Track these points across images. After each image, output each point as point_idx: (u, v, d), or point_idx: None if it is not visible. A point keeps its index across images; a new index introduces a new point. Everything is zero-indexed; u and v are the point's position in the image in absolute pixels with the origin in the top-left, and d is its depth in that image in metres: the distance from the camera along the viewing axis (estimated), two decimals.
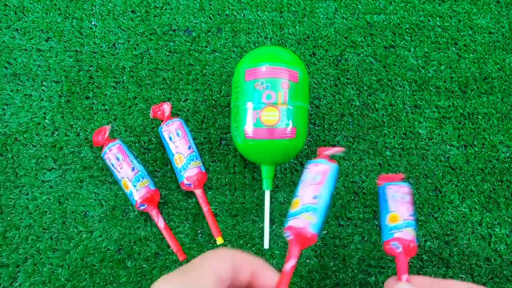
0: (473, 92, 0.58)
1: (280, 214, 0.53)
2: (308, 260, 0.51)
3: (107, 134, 0.51)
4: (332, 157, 0.34)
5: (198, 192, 0.51)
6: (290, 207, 0.32)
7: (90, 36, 0.58)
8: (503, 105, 0.57)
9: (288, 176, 0.54)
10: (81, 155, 0.54)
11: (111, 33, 0.58)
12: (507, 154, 0.56)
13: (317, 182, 0.32)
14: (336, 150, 0.35)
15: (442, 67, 0.59)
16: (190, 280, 0.24)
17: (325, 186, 0.32)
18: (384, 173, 0.55)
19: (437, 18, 0.61)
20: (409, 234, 0.35)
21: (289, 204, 0.53)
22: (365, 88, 0.57)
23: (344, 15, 0.60)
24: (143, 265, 0.51)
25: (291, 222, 0.31)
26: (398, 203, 0.35)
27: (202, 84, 0.57)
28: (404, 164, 0.55)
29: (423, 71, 0.58)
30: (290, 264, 0.30)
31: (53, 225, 0.52)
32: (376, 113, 0.57)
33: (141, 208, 0.50)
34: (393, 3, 0.61)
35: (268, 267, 0.28)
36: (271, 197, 0.52)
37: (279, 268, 0.51)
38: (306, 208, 0.31)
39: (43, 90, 0.56)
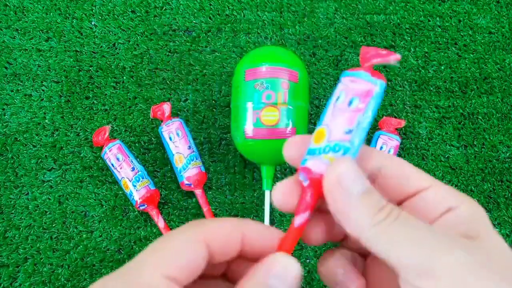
0: (473, 92, 0.58)
1: (280, 214, 0.53)
2: (308, 260, 0.51)
3: (107, 134, 0.51)
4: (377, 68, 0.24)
5: (198, 192, 0.51)
6: (312, 138, 0.22)
7: (90, 36, 0.58)
8: (503, 105, 0.57)
9: (288, 176, 0.54)
10: (81, 155, 0.54)
11: (111, 33, 0.58)
12: (507, 154, 0.56)
13: (353, 108, 0.21)
14: (389, 58, 0.21)
15: (442, 67, 0.59)
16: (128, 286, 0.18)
17: (365, 116, 0.21)
18: None
19: (437, 18, 0.61)
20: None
21: None
22: None
23: (344, 15, 0.60)
24: None
25: (310, 163, 0.22)
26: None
27: (202, 84, 0.57)
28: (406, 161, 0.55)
29: (423, 71, 0.58)
30: (301, 219, 0.21)
31: (53, 225, 0.52)
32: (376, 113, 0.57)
33: (141, 208, 0.50)
34: (393, 3, 0.61)
35: (263, 226, 0.22)
36: (271, 197, 0.52)
37: None
38: (333, 147, 0.21)
39: (43, 90, 0.56)
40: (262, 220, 0.52)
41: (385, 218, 0.19)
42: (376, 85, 0.22)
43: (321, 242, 0.23)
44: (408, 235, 0.18)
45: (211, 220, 0.21)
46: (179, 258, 0.19)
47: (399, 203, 0.22)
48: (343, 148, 0.21)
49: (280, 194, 0.22)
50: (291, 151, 0.23)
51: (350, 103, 0.21)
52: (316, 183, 0.21)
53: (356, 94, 0.22)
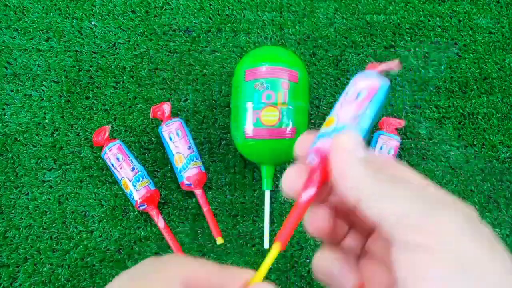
0: (473, 92, 0.58)
1: (280, 214, 0.53)
2: (308, 260, 0.51)
3: (107, 134, 0.51)
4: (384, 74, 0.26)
5: (198, 192, 0.51)
6: (322, 126, 0.25)
7: (90, 36, 0.58)
8: (503, 105, 0.57)
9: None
10: (81, 155, 0.54)
11: (111, 33, 0.58)
12: (507, 154, 0.56)
13: (360, 99, 0.24)
14: (390, 66, 0.25)
15: (442, 67, 0.59)
16: None
17: (370, 106, 0.24)
18: None
19: (437, 18, 0.61)
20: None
21: (290, 205, 0.53)
22: None
23: (344, 15, 0.60)
24: None
25: (319, 143, 0.23)
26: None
27: (202, 84, 0.57)
28: (404, 164, 0.55)
29: (423, 71, 0.58)
30: (307, 194, 0.22)
31: (53, 225, 0.52)
32: None
33: (141, 208, 0.50)
34: (393, 3, 0.61)
35: (241, 271, 0.21)
36: (271, 197, 0.52)
37: (277, 267, 0.51)
38: (340, 128, 0.23)
39: (43, 90, 0.56)
40: (262, 220, 0.52)
41: (385, 178, 0.20)
42: (382, 81, 0.25)
43: (322, 230, 0.23)
44: (404, 193, 0.19)
45: (192, 260, 0.20)
46: None
47: None
48: (350, 129, 0.24)
49: (289, 178, 0.23)
50: (303, 145, 0.24)
51: (357, 96, 0.25)
52: (323, 161, 0.23)
53: (364, 88, 0.25)
